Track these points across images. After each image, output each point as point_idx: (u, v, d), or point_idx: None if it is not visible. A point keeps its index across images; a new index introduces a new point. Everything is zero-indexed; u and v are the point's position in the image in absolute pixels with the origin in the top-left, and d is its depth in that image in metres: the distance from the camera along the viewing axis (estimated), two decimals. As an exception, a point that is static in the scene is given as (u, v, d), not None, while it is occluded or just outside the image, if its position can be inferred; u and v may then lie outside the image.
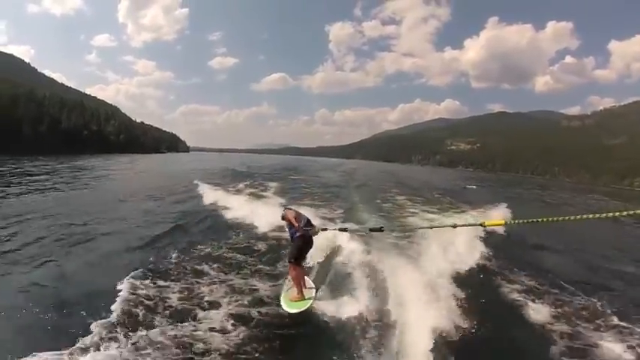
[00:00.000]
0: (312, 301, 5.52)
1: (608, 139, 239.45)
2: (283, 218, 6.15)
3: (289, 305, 5.48)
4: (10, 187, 18.60)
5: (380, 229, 5.75)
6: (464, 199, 22.34)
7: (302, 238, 5.85)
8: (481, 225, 4.73)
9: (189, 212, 12.42)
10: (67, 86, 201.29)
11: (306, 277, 6.04)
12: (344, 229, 6.49)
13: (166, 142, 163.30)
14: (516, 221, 4.95)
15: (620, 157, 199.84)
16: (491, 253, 8.90)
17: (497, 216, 14.46)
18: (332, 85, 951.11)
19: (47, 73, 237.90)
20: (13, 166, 32.90)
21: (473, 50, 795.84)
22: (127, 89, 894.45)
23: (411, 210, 16.07)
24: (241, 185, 21.06)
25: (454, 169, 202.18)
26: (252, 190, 19.04)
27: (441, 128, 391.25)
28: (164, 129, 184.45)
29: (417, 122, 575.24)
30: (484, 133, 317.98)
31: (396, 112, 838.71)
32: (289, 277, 5.93)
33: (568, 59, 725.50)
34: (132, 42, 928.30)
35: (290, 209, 6.20)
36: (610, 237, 15.12)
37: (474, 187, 39.57)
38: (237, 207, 12.42)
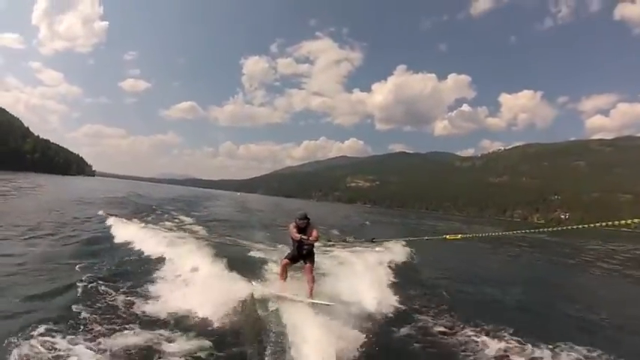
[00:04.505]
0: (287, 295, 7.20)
1: (493, 178, 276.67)
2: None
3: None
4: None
5: (372, 241, 8.89)
6: (365, 237, 23.16)
7: (296, 243, 7.82)
8: (444, 239, 6.94)
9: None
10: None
11: (310, 286, 7.54)
12: (344, 240, 9.12)
13: (74, 164, 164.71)
14: (472, 235, 6.61)
15: (502, 193, 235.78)
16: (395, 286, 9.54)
17: (399, 250, 15.44)
18: (240, 118, 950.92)
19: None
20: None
21: (380, 94, 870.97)
22: (29, 99, 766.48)
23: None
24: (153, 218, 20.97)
25: (352, 205, 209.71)
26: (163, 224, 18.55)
27: (343, 166, 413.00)
28: (65, 148, 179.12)
29: (320, 159, 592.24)
30: (384, 171, 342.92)
31: (300, 149, 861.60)
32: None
33: (465, 107, 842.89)
34: (42, 48, 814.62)
35: (293, 222, 7.88)
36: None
37: (368, 222, 40.25)
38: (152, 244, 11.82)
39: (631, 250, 33.71)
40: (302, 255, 7.81)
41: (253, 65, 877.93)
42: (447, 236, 6.47)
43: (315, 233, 7.74)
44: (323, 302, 6.86)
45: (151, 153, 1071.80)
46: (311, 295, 7.25)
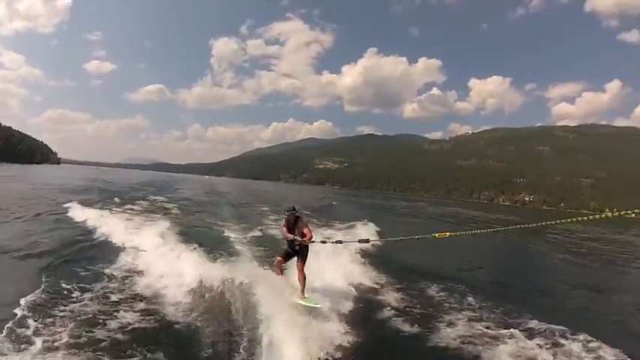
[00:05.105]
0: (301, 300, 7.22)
1: (461, 161, 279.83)
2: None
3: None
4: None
5: (367, 241, 8.67)
6: (331, 216, 24.39)
7: (289, 243, 7.91)
8: (433, 237, 6.86)
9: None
10: None
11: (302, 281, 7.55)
12: (339, 242, 8.52)
13: (38, 152, 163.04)
14: (460, 233, 6.52)
15: (469, 175, 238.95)
16: (366, 270, 10.39)
17: (365, 232, 17.09)
18: (208, 100, 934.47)
19: None
20: None
21: (350, 76, 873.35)
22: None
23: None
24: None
25: (321, 187, 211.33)
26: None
27: (312, 148, 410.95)
28: (26, 134, 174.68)
29: (289, 141, 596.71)
30: (352, 153, 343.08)
31: (269, 131, 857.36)
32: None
33: (434, 91, 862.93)
34: (1, 28, 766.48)
35: (283, 220, 8.10)
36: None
37: (336, 202, 42.35)
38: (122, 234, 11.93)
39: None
40: (295, 251, 7.92)
41: (223, 46, 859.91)
42: (436, 234, 6.84)
43: (307, 233, 7.67)
44: (311, 304, 7.04)
45: (117, 138, 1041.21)
46: (302, 294, 7.37)
